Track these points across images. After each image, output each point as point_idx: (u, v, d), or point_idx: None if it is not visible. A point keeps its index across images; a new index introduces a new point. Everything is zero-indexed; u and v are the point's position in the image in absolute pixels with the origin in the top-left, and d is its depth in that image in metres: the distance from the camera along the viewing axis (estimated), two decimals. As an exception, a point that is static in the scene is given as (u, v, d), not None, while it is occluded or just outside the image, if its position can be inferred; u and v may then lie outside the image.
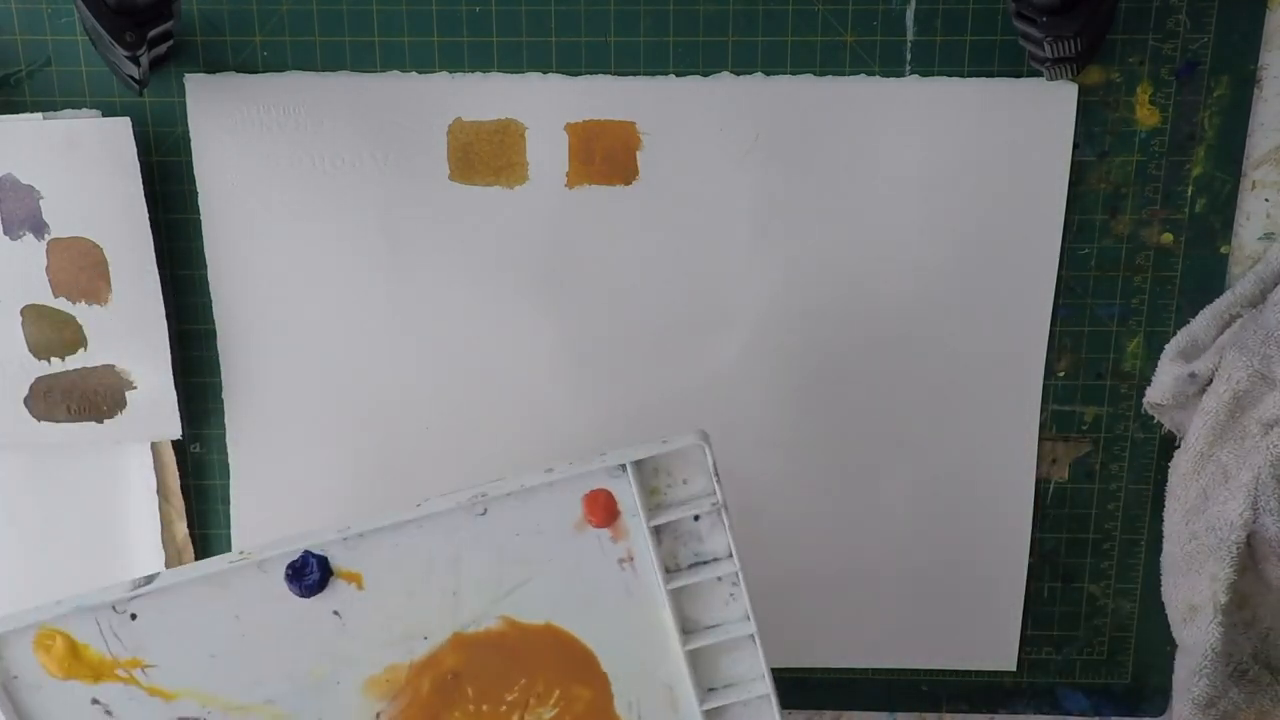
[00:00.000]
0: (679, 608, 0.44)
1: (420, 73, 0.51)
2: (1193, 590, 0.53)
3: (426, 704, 0.45)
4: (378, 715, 0.45)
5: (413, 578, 0.44)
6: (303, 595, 0.43)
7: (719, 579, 0.44)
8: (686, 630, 0.45)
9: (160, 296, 0.52)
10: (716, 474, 0.43)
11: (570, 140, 0.52)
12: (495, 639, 0.44)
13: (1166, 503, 0.55)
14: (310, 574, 0.43)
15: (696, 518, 0.44)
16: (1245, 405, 0.50)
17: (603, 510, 0.43)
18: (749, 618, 0.44)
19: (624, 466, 0.43)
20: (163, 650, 0.43)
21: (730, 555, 0.44)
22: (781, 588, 0.57)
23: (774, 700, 0.45)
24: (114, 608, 0.43)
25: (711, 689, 0.45)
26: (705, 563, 0.44)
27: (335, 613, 0.44)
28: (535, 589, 0.44)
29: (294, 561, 0.43)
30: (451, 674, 0.44)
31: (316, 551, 0.43)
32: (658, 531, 0.44)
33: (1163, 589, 0.56)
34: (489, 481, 0.43)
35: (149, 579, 0.43)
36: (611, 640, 0.44)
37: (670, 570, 0.44)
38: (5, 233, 0.51)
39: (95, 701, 0.44)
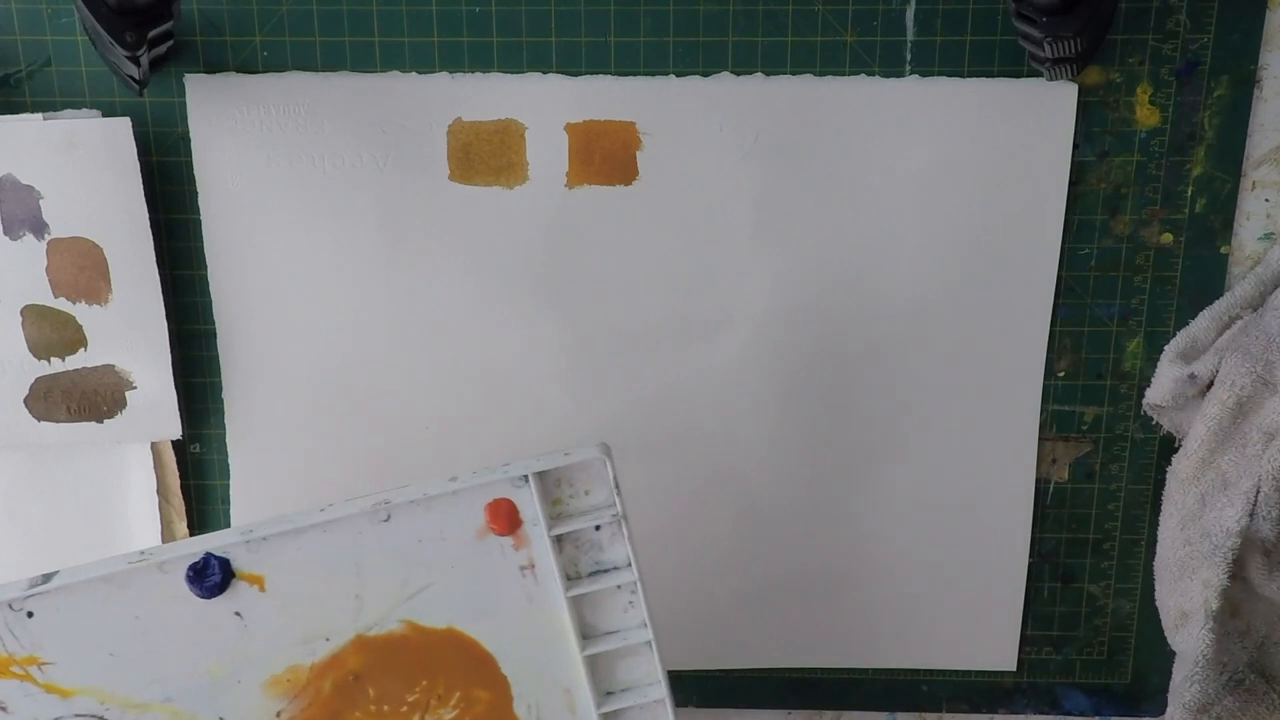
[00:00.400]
0: (579, 614, 0.45)
1: (420, 73, 0.51)
2: (1184, 596, 0.53)
3: (327, 704, 0.45)
4: (278, 714, 0.45)
5: (315, 581, 0.44)
6: (204, 597, 0.43)
7: (618, 587, 0.45)
8: (586, 636, 0.46)
9: (160, 296, 0.52)
10: (617, 486, 0.44)
11: (570, 140, 0.52)
12: (397, 642, 0.45)
13: (1163, 507, 0.55)
14: (212, 576, 0.43)
15: (598, 528, 0.45)
16: (1247, 411, 0.50)
17: (505, 519, 0.44)
18: (646, 625, 0.45)
19: (526, 478, 0.44)
20: (60, 648, 0.43)
21: (630, 565, 0.45)
22: (781, 588, 0.57)
23: (669, 704, 0.46)
24: (10, 605, 0.43)
25: (609, 692, 0.46)
26: (605, 571, 0.45)
27: (237, 614, 0.44)
28: (437, 594, 0.44)
29: (195, 563, 0.43)
30: (353, 675, 0.45)
31: (218, 554, 0.43)
32: (559, 540, 0.45)
33: (1156, 594, 0.56)
34: (393, 488, 0.44)
35: (46, 577, 0.43)
36: (512, 644, 0.45)
37: (571, 578, 0.45)
38: (5, 233, 0.51)
39: None
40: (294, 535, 0.44)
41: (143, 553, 0.43)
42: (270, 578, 0.44)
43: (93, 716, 0.44)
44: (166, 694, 0.44)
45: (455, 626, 0.45)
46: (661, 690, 0.46)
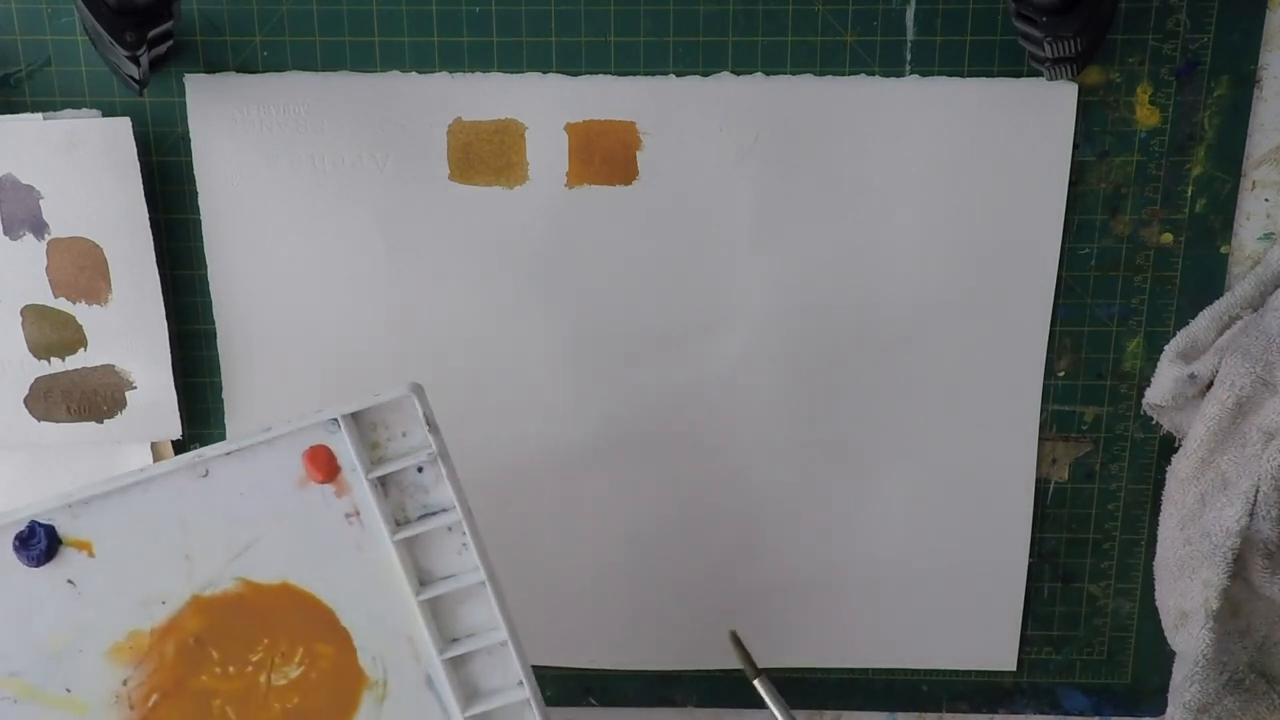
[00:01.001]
0: (412, 559, 0.45)
1: (420, 73, 0.51)
2: (1184, 596, 0.53)
3: (172, 669, 0.45)
4: (124, 682, 0.45)
5: (143, 543, 0.44)
6: (32, 565, 0.43)
7: (449, 529, 0.45)
8: (421, 581, 0.45)
9: (160, 296, 0.52)
10: (430, 424, 0.44)
11: (570, 140, 0.52)
12: (234, 601, 0.45)
13: (1163, 507, 0.55)
14: (37, 543, 0.43)
15: (420, 469, 0.44)
16: (1247, 411, 0.50)
17: (323, 465, 0.44)
18: (478, 566, 0.45)
19: (338, 421, 0.43)
20: None
21: (455, 506, 0.44)
22: (782, 588, 0.57)
23: (512, 645, 0.45)
24: None
25: (454, 639, 0.46)
26: (433, 513, 0.45)
27: (69, 581, 0.44)
28: (267, 548, 0.44)
29: (20, 532, 0.43)
30: (194, 638, 0.45)
31: (43, 520, 0.43)
32: (382, 484, 0.44)
33: (1156, 594, 0.56)
34: (210, 445, 0.44)
35: None
36: (348, 595, 0.45)
37: (399, 523, 0.45)
38: (5, 233, 0.51)
39: None
40: (115, 496, 0.44)
41: None
42: (98, 542, 0.44)
43: None
44: (11, 669, 0.44)
45: (289, 581, 0.45)
46: (503, 633, 0.45)
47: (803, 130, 0.52)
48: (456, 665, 0.46)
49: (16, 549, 0.43)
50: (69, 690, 0.45)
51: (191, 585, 0.45)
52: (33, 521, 0.43)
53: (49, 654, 0.44)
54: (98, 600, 0.44)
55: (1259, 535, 0.50)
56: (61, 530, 0.44)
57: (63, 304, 0.52)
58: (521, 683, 0.46)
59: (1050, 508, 0.57)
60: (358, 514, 0.44)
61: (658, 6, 0.51)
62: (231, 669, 0.45)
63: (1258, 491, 0.50)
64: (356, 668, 0.46)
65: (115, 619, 0.44)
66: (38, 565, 0.44)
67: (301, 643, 0.45)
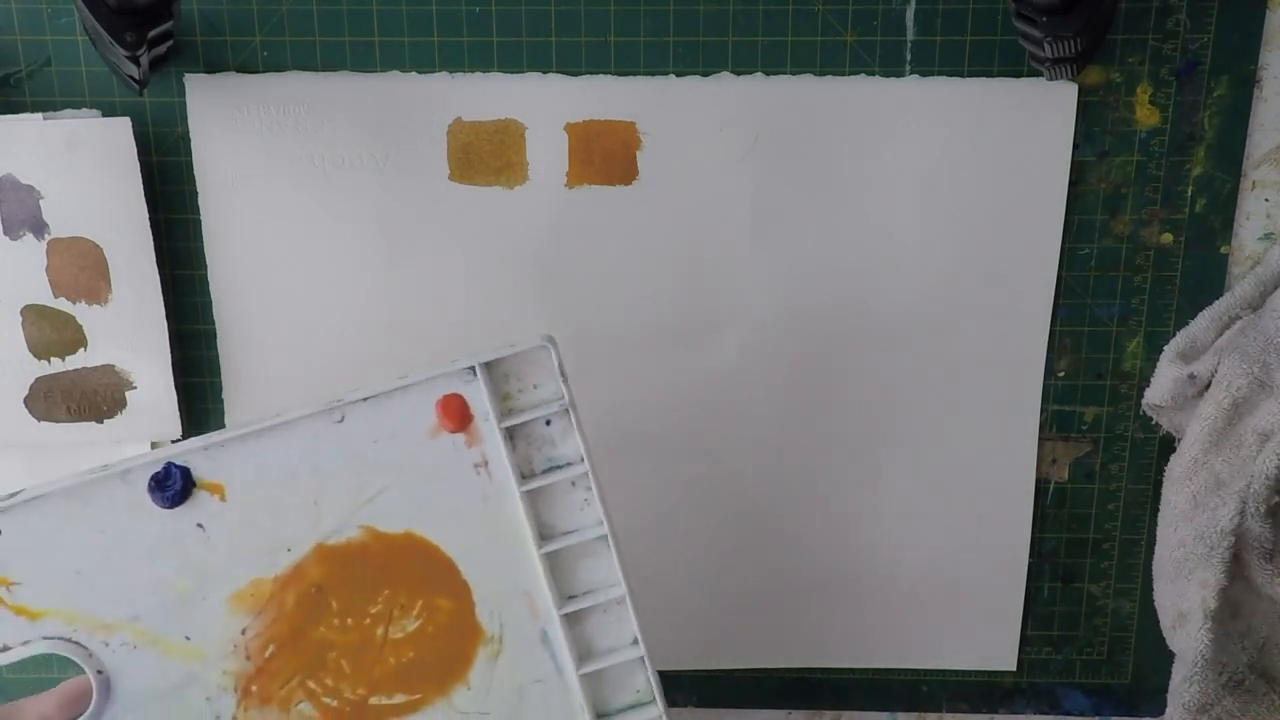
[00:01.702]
0: (535, 512, 0.45)
1: (420, 73, 0.51)
2: (1181, 596, 0.53)
3: (291, 619, 0.45)
4: (243, 631, 0.45)
5: (274, 487, 0.44)
6: (165, 506, 0.44)
7: (573, 483, 0.45)
8: (543, 535, 0.45)
9: (160, 296, 0.52)
10: (564, 375, 0.44)
11: (570, 140, 0.52)
12: (357, 550, 0.45)
13: (1160, 508, 0.55)
14: (173, 484, 0.43)
15: (548, 422, 0.45)
16: (1243, 412, 0.50)
17: (456, 414, 0.44)
18: (602, 521, 0.45)
19: (474, 370, 0.44)
20: (27, 567, 0.44)
21: (582, 459, 0.44)
22: (781, 588, 0.57)
23: (629, 602, 0.45)
24: None
25: (571, 596, 0.46)
26: (559, 467, 0.45)
27: (199, 525, 0.44)
28: (394, 497, 0.45)
29: (157, 473, 0.43)
30: (315, 587, 0.45)
31: (179, 463, 0.44)
32: (511, 435, 0.45)
33: (1154, 595, 0.56)
34: (347, 390, 0.44)
35: (13, 494, 0.43)
36: (471, 547, 0.45)
37: (525, 475, 0.45)
38: (5, 233, 0.51)
39: None
40: (252, 439, 0.44)
41: (106, 465, 0.43)
42: (231, 486, 0.44)
43: (62, 639, 0.44)
44: (134, 613, 0.44)
45: (414, 530, 0.45)
46: (621, 589, 0.45)
47: (803, 130, 0.52)
48: (573, 621, 0.46)
49: (151, 490, 0.43)
50: (188, 638, 0.45)
51: (317, 533, 0.45)
52: (169, 463, 0.43)
53: (173, 599, 0.44)
54: (225, 545, 0.44)
55: (1254, 534, 0.50)
56: (197, 473, 0.44)
57: (63, 304, 0.52)
58: (636, 640, 0.46)
59: (1050, 508, 0.57)
60: (486, 464, 0.45)
61: (658, 6, 0.51)
62: (350, 620, 0.45)
63: (1250, 491, 0.50)
64: (474, 622, 0.46)
65: (240, 565, 0.44)
66: (171, 507, 0.44)
67: (421, 595, 0.45)
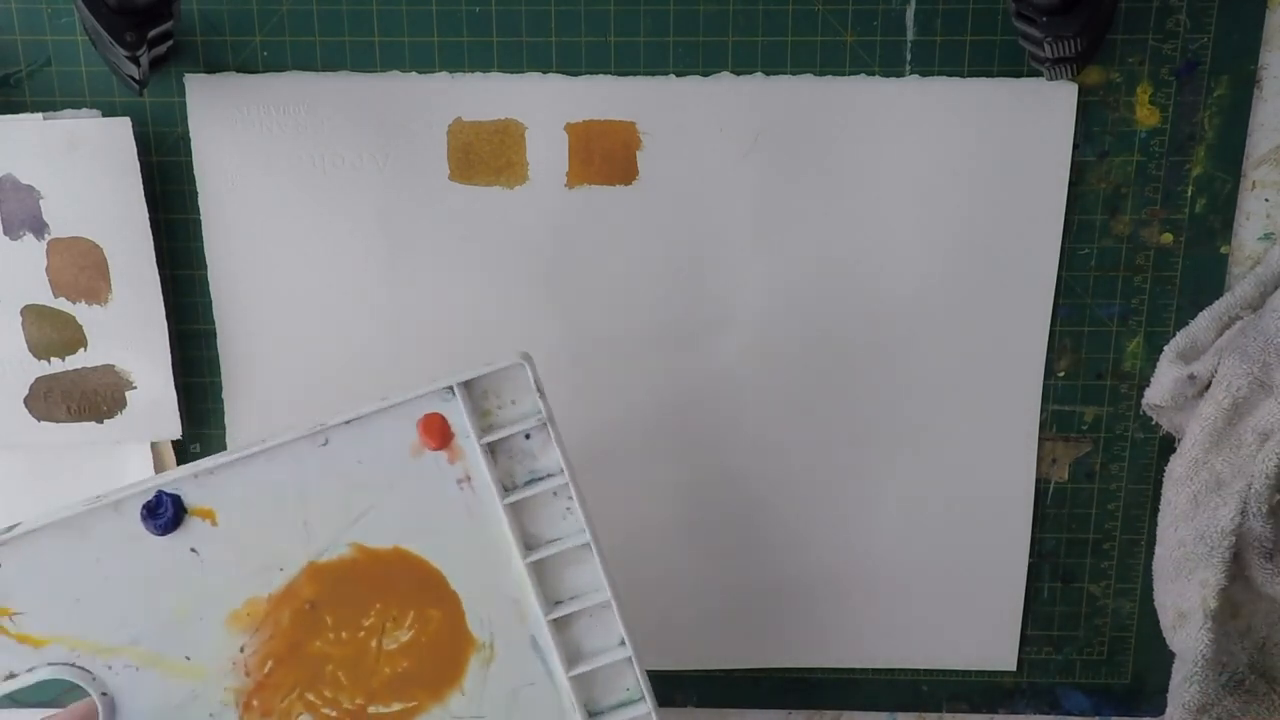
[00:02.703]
0: (518, 523, 0.46)
1: (420, 73, 0.51)
2: (1182, 596, 0.53)
3: (287, 635, 0.46)
4: (241, 649, 0.46)
5: (263, 510, 0.45)
6: (158, 534, 0.45)
7: (554, 494, 0.46)
8: (528, 545, 0.46)
9: (160, 296, 0.52)
10: (540, 391, 0.45)
11: (570, 140, 0.52)
12: (348, 566, 0.46)
13: (1160, 508, 0.55)
14: (164, 512, 0.45)
15: (528, 436, 0.46)
16: (1243, 412, 0.50)
17: (437, 433, 0.45)
18: (584, 529, 0.46)
19: (453, 389, 0.45)
20: (29, 597, 0.45)
21: (561, 470, 0.46)
22: (781, 588, 0.57)
23: (615, 606, 0.46)
24: None
25: (558, 601, 0.47)
26: (540, 479, 0.46)
27: (192, 550, 0.45)
28: (381, 514, 0.46)
29: (148, 501, 0.45)
30: (309, 603, 0.46)
31: (169, 490, 0.45)
32: (491, 450, 0.46)
33: (1154, 594, 0.56)
34: (330, 414, 0.45)
35: (10, 527, 0.44)
36: (458, 560, 0.46)
37: (507, 488, 0.46)
38: (5, 233, 0.51)
39: None
40: (239, 466, 0.45)
41: (99, 496, 0.44)
42: (221, 511, 0.45)
43: (66, 664, 0.45)
44: (134, 636, 0.45)
45: (401, 546, 0.46)
46: (606, 593, 0.46)
47: (803, 130, 0.52)
48: (560, 626, 0.47)
49: (144, 518, 0.45)
50: (188, 658, 0.46)
51: (308, 552, 0.46)
52: (160, 491, 0.45)
53: (171, 622, 0.45)
54: (219, 568, 0.45)
55: (1254, 534, 0.50)
56: (187, 500, 0.45)
57: (63, 304, 0.52)
58: (623, 641, 0.47)
59: (1050, 508, 0.57)
60: (469, 480, 0.46)
61: (658, 6, 0.51)
62: (344, 634, 0.46)
63: (1250, 489, 0.50)
64: (465, 631, 0.47)
65: (235, 586, 0.46)
66: (164, 534, 0.45)
67: (412, 607, 0.46)
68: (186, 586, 0.45)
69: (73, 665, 0.45)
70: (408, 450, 0.45)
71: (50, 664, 0.45)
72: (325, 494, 0.45)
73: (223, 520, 0.45)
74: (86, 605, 0.45)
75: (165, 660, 0.46)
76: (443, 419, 0.45)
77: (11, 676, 0.45)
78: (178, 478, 0.45)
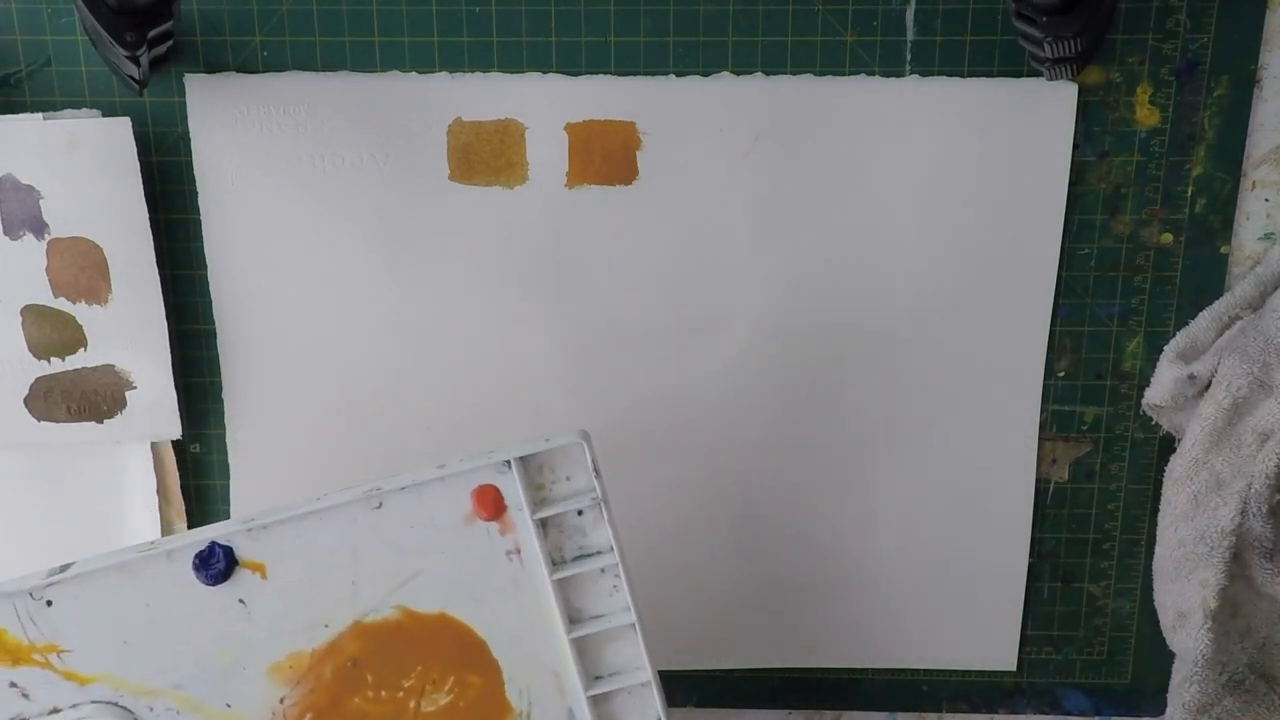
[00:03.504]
0: (564, 598, 0.46)
1: (420, 73, 0.51)
2: (1182, 596, 0.53)
3: (328, 690, 0.46)
4: (281, 700, 0.46)
5: (313, 568, 0.45)
6: (209, 584, 0.45)
7: (602, 571, 0.46)
8: (572, 620, 0.47)
9: (160, 296, 0.52)
10: (596, 471, 0.45)
11: (570, 140, 0.52)
12: (392, 627, 0.46)
13: (1160, 508, 0.55)
14: (216, 563, 0.45)
15: (580, 512, 0.46)
16: (1243, 412, 0.50)
17: (491, 504, 0.45)
18: (629, 608, 0.46)
19: (509, 463, 0.45)
20: (77, 636, 0.45)
21: (612, 548, 0.46)
22: (781, 588, 0.57)
23: (655, 687, 0.47)
24: (31, 594, 0.45)
25: (598, 677, 0.47)
26: (589, 555, 0.46)
27: (240, 601, 0.45)
28: (429, 579, 0.46)
29: (201, 551, 0.45)
30: (351, 661, 0.46)
31: (222, 542, 0.45)
32: (543, 525, 0.46)
33: (1154, 594, 0.56)
34: (385, 477, 0.45)
35: (64, 567, 0.44)
36: (501, 629, 0.46)
37: (556, 563, 0.46)
38: (5, 233, 0.51)
39: (13, 685, 0.45)
40: (293, 523, 0.45)
41: (153, 542, 0.45)
42: (271, 565, 0.45)
43: (109, 703, 0.46)
44: (177, 681, 0.46)
45: (447, 611, 0.46)
46: (647, 674, 0.46)
47: (803, 130, 0.52)
48: (598, 702, 0.47)
49: (196, 568, 0.45)
50: (229, 705, 0.46)
51: (355, 611, 0.46)
52: (213, 543, 0.45)
53: (214, 669, 0.46)
54: (265, 621, 0.46)
55: (1254, 534, 0.50)
56: (239, 552, 0.45)
57: (63, 304, 0.52)
58: (660, 718, 0.47)
59: (1050, 508, 0.57)
60: (518, 552, 0.46)
61: (658, 6, 0.51)
62: (384, 693, 0.46)
63: (1250, 489, 0.50)
64: (503, 699, 0.47)
65: (280, 639, 0.46)
66: (214, 584, 0.45)
67: (453, 671, 0.46)
68: (232, 636, 0.46)
69: (116, 705, 0.46)
70: (460, 518, 0.46)
71: (94, 702, 0.45)
72: (376, 556, 0.46)
73: (273, 574, 0.45)
74: (133, 647, 0.45)
75: (206, 707, 0.46)
76: (497, 491, 0.45)
77: (56, 711, 0.45)
78: (231, 530, 0.45)
